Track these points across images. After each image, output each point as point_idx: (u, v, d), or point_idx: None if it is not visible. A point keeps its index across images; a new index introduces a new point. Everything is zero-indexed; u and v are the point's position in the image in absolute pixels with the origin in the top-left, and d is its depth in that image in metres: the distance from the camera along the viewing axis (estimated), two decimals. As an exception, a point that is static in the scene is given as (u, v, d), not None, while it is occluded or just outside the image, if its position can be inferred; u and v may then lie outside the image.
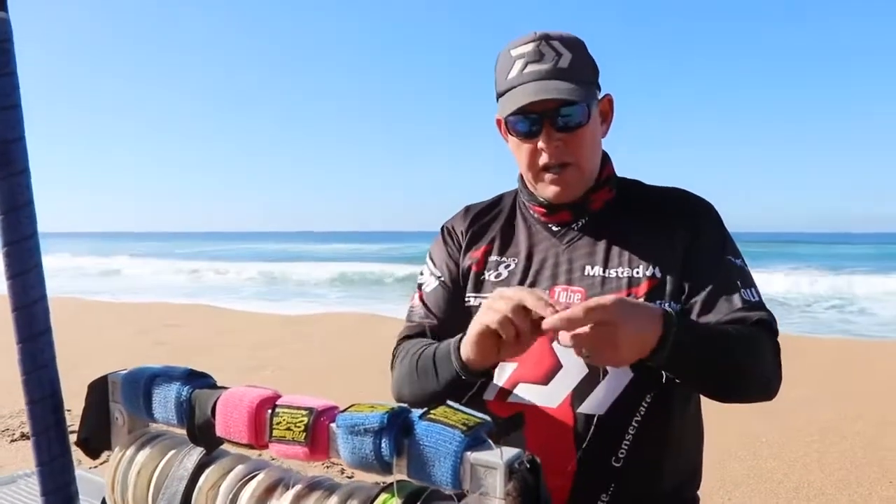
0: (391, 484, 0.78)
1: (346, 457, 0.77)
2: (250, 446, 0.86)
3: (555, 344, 1.28)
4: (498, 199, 1.56)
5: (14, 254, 0.91)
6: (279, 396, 0.86)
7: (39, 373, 0.91)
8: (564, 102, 1.28)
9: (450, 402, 0.78)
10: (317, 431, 0.79)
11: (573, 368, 1.29)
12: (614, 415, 1.27)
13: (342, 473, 3.78)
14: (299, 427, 0.80)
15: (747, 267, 1.38)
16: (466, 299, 1.43)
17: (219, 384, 0.95)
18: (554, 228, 1.42)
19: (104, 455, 1.05)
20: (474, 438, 0.72)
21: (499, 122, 1.43)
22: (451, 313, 1.43)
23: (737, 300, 1.30)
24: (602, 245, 1.37)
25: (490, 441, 0.72)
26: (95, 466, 2.54)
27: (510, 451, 0.69)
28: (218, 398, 0.88)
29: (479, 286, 1.43)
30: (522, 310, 1.10)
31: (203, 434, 0.89)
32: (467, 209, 1.57)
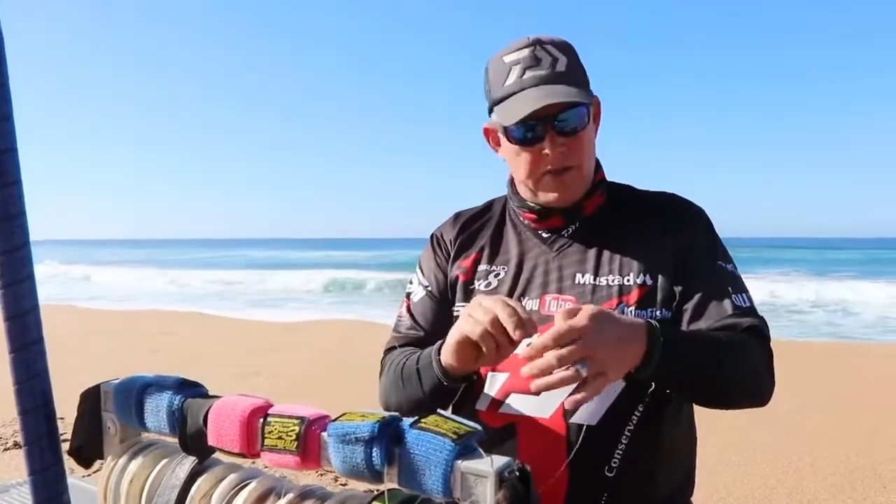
0: (383, 492, 0.79)
1: (338, 466, 0.78)
2: (242, 455, 0.86)
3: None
4: (488, 206, 1.55)
5: (6, 263, 0.91)
6: (271, 405, 0.86)
7: (32, 382, 0.91)
8: (564, 107, 1.27)
9: (440, 411, 0.79)
10: (308, 440, 0.80)
11: None
12: (607, 424, 1.27)
13: (335, 482, 3.78)
14: (291, 436, 0.80)
15: (738, 272, 1.38)
16: (455, 309, 1.42)
17: (211, 392, 0.95)
18: (544, 235, 1.41)
19: (97, 464, 1.05)
20: (465, 447, 0.72)
21: (486, 130, 1.43)
22: (437, 325, 1.42)
23: (728, 306, 1.30)
24: (593, 252, 1.36)
25: (480, 450, 0.73)
26: (88, 475, 2.53)
27: (500, 460, 0.70)
28: (210, 407, 0.88)
29: (468, 296, 1.42)
30: (500, 322, 1.09)
31: (195, 443, 0.90)
32: (457, 216, 1.55)
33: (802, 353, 8.67)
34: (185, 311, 15.06)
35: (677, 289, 1.32)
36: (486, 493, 0.69)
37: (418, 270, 1.54)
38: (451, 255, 1.48)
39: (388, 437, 0.75)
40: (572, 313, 1.05)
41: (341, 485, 3.44)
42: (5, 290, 0.91)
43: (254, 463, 0.91)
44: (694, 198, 1.41)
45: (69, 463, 0.96)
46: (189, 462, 0.93)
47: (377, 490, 0.81)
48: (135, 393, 0.95)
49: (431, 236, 1.56)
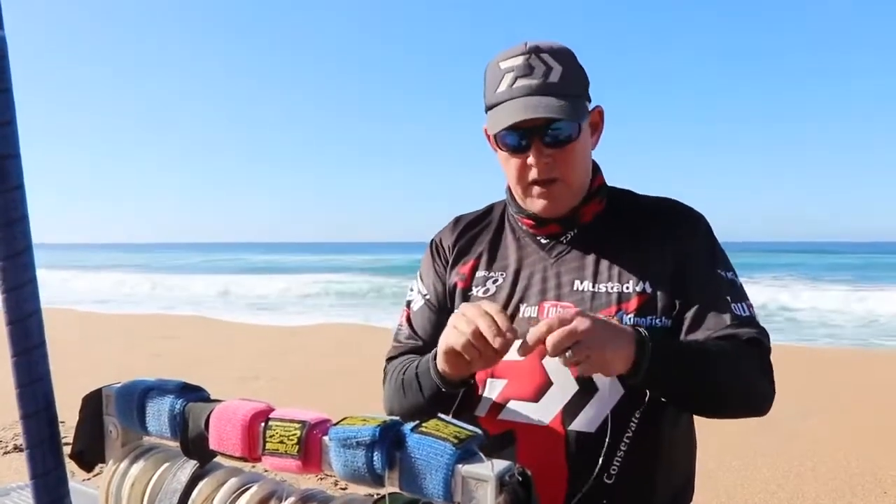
0: (384, 496, 0.79)
1: (339, 470, 0.78)
2: (244, 459, 0.86)
3: (545, 361, 1.28)
4: (488, 210, 1.54)
5: (9, 268, 0.91)
6: (272, 410, 0.86)
7: (34, 386, 0.91)
8: (553, 119, 1.26)
9: (441, 415, 0.79)
10: (309, 444, 0.80)
11: (564, 385, 1.28)
12: (606, 431, 1.26)
13: (336, 486, 3.78)
14: (292, 440, 0.80)
15: (739, 280, 1.36)
16: None
17: (212, 396, 0.95)
18: (542, 241, 1.40)
19: (98, 468, 1.05)
20: (465, 451, 0.72)
21: (486, 131, 1.41)
22: (436, 335, 1.38)
23: (726, 316, 1.29)
24: (591, 259, 1.35)
25: (481, 454, 0.73)
26: (89, 479, 2.53)
27: (501, 464, 0.70)
28: (211, 411, 0.88)
29: (467, 302, 1.38)
30: (481, 334, 1.11)
31: (196, 447, 0.90)
32: (456, 220, 1.55)
33: (801, 358, 8.67)
34: (186, 315, 15.07)
35: (676, 298, 1.31)
36: (486, 497, 0.69)
37: (418, 278, 1.54)
38: (450, 262, 1.48)
39: (389, 441, 0.75)
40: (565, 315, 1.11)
41: (341, 489, 3.45)
42: (7, 294, 0.92)
43: (254, 467, 0.92)
44: (699, 201, 1.41)
45: (70, 466, 0.96)
46: (190, 466, 0.94)
47: (378, 494, 0.81)
48: (136, 397, 0.95)
49: (431, 242, 1.56)
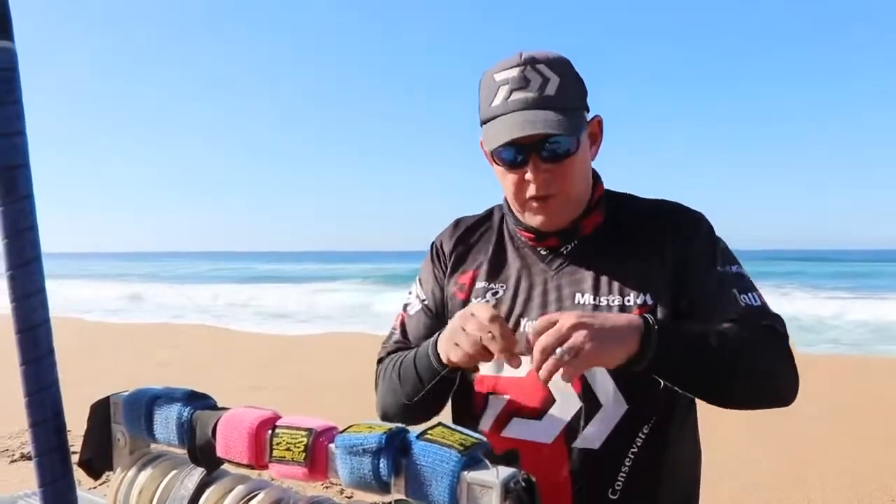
0: (390, 503, 0.79)
1: (345, 477, 0.78)
2: (250, 466, 0.87)
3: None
4: (489, 213, 1.51)
5: (18, 277, 0.92)
6: (279, 417, 0.87)
7: (42, 395, 0.92)
8: (551, 133, 1.22)
9: (446, 423, 0.80)
10: (316, 452, 0.81)
11: (567, 402, 1.27)
12: (609, 449, 1.25)
13: (341, 494, 3.78)
14: (299, 447, 0.81)
15: (745, 272, 1.33)
16: None
17: (219, 405, 0.96)
18: (543, 252, 1.38)
19: (105, 476, 1.06)
20: (471, 458, 0.73)
21: (481, 143, 1.35)
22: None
23: (734, 308, 1.25)
24: (592, 272, 1.33)
25: (486, 461, 0.74)
26: (95, 487, 2.54)
27: (506, 471, 0.71)
28: (218, 419, 0.89)
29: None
30: (483, 347, 1.13)
31: (204, 454, 0.91)
32: (457, 224, 1.52)
33: (808, 365, 8.64)
34: (192, 324, 15.09)
35: (679, 303, 1.28)
36: (491, 504, 0.69)
37: (418, 281, 1.52)
38: (449, 267, 1.46)
39: (395, 448, 0.76)
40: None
41: (347, 497, 3.45)
42: (17, 303, 0.93)
43: (260, 475, 0.92)
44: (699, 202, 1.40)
45: (77, 475, 0.97)
46: (198, 473, 0.94)
47: (383, 503, 0.82)
48: (144, 405, 0.96)
49: (432, 245, 1.53)
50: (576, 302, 1.31)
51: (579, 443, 1.25)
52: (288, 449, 0.82)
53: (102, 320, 15.71)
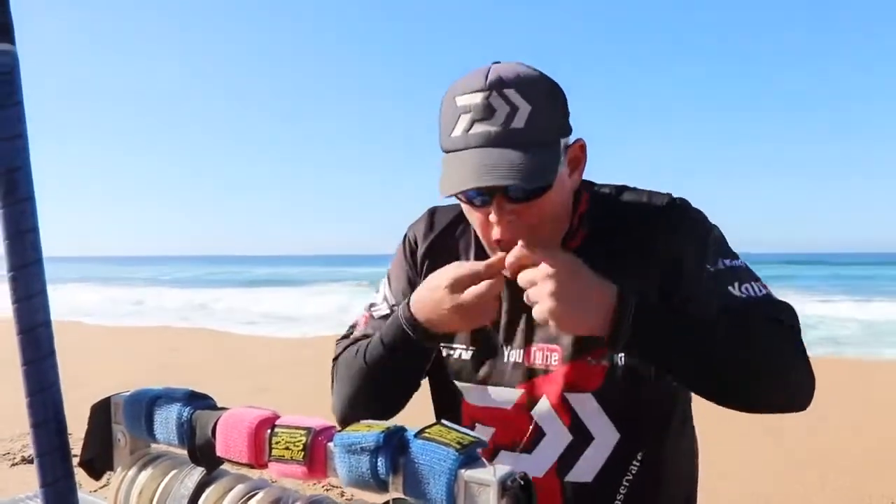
0: (388, 502, 0.80)
1: (344, 475, 0.79)
2: (250, 466, 0.87)
3: (534, 412, 1.23)
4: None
5: (20, 278, 0.93)
6: (278, 417, 0.88)
7: (44, 395, 0.93)
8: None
9: (444, 422, 0.80)
10: (315, 450, 0.81)
11: (556, 436, 1.23)
12: (603, 480, 1.22)
13: (342, 496, 3.78)
14: (298, 446, 0.82)
15: (741, 263, 1.19)
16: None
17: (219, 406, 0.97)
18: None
19: (105, 479, 1.06)
20: (468, 457, 0.73)
21: None
22: None
23: (733, 302, 1.14)
24: None
25: (483, 459, 0.74)
26: (96, 490, 2.54)
27: (503, 469, 0.71)
28: (218, 419, 0.90)
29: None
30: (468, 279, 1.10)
31: (204, 454, 0.91)
32: (432, 216, 1.38)
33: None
34: (193, 327, 15.10)
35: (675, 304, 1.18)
36: (489, 502, 0.70)
37: (387, 280, 1.40)
38: (423, 267, 1.34)
39: (393, 446, 0.76)
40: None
41: (347, 500, 3.45)
42: (19, 304, 0.93)
43: (261, 475, 0.93)
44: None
45: (78, 477, 0.97)
46: (198, 473, 0.95)
47: (382, 502, 0.82)
48: (145, 405, 0.97)
49: (404, 238, 1.40)
50: None
51: (571, 476, 1.23)
52: (287, 448, 0.82)
53: (102, 324, 15.71)
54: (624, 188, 1.30)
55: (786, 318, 1.14)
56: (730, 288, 1.16)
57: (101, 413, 1.04)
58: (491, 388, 1.27)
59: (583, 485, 1.23)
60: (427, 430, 0.77)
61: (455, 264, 1.15)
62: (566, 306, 1.02)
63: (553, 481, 1.23)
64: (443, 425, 0.79)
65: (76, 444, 1.04)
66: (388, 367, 1.22)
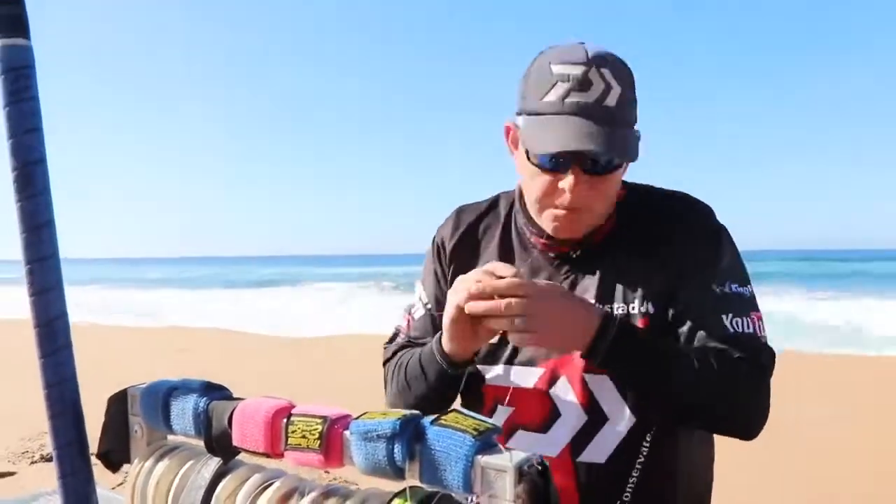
0: (404, 490, 0.80)
1: (360, 463, 0.79)
2: (266, 455, 0.88)
3: (552, 391, 1.26)
4: (494, 202, 1.43)
5: (36, 271, 0.94)
6: (293, 406, 0.88)
7: (61, 387, 0.94)
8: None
9: (459, 409, 0.80)
10: (331, 438, 0.81)
11: (572, 416, 1.25)
12: (616, 461, 1.24)
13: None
14: (314, 435, 0.82)
15: (748, 291, 1.26)
16: None
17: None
18: (551, 255, 1.32)
19: (122, 477, 1.07)
20: (485, 442, 0.73)
21: (508, 129, 1.29)
22: None
23: (720, 333, 1.20)
24: (599, 278, 1.28)
25: (500, 445, 0.74)
26: (114, 488, 2.56)
27: (519, 455, 0.71)
28: (234, 409, 0.90)
29: None
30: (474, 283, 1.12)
31: (220, 444, 0.92)
32: (458, 215, 1.44)
33: (821, 366, 8.61)
34: (204, 327, 15.15)
35: (670, 313, 1.25)
36: (505, 488, 0.70)
37: (420, 283, 1.46)
38: (451, 266, 1.40)
39: (409, 433, 0.76)
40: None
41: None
42: (35, 297, 0.94)
43: (277, 465, 0.93)
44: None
45: (97, 475, 0.98)
46: (214, 463, 0.95)
47: (396, 491, 0.82)
48: (161, 396, 0.97)
49: (433, 241, 1.46)
50: None
51: (585, 457, 1.24)
52: (303, 437, 0.82)
53: (117, 324, 15.79)
54: (652, 187, 1.37)
55: (762, 360, 1.21)
56: (723, 317, 1.21)
57: (118, 405, 1.05)
58: (514, 369, 1.30)
59: (596, 465, 1.24)
60: (443, 417, 0.77)
61: (451, 291, 1.17)
62: (548, 338, 1.12)
63: (566, 461, 1.25)
64: (459, 412, 0.79)
65: (92, 442, 1.04)
66: (428, 391, 1.29)
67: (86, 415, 0.96)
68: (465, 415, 0.78)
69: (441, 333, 1.22)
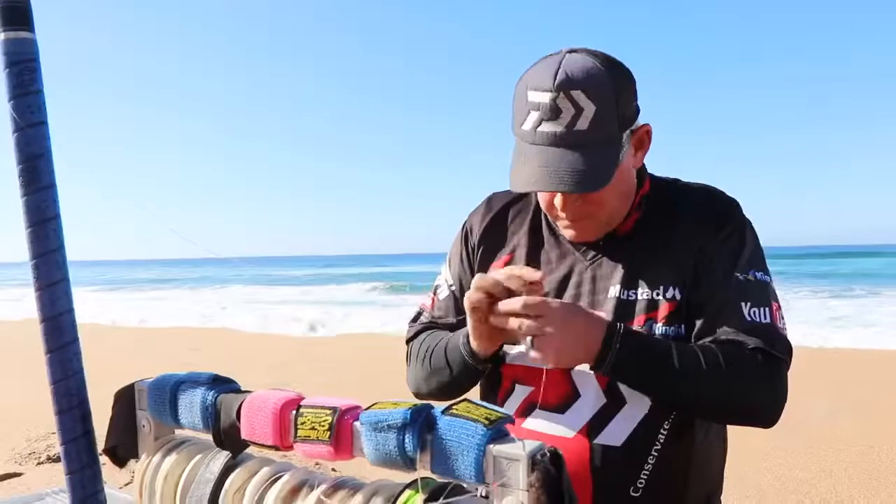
0: (415, 480, 0.79)
1: (370, 454, 0.78)
2: (275, 448, 0.87)
3: (573, 373, 1.26)
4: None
5: (42, 266, 0.93)
6: (303, 398, 0.87)
7: (68, 382, 0.93)
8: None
9: (470, 398, 0.80)
10: (341, 430, 0.81)
11: (591, 398, 1.25)
12: (632, 445, 1.24)
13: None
14: (323, 426, 0.81)
15: (767, 280, 1.27)
16: None
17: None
18: (578, 242, 1.33)
19: (130, 476, 1.07)
20: (497, 432, 0.73)
21: None
22: (458, 325, 1.38)
23: (737, 321, 1.21)
24: (625, 265, 1.29)
25: (512, 434, 0.73)
26: (122, 487, 2.56)
27: (532, 444, 0.70)
28: (243, 402, 0.89)
29: None
30: (499, 287, 1.15)
31: (228, 437, 0.91)
32: (489, 202, 1.47)
33: (831, 359, 8.58)
34: (212, 327, 15.17)
35: (693, 301, 1.25)
36: (518, 476, 0.69)
37: (447, 262, 1.49)
38: (479, 251, 1.43)
39: (420, 423, 0.76)
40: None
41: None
42: (41, 292, 0.94)
43: (285, 456, 0.93)
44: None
45: (104, 476, 0.97)
46: (223, 456, 0.95)
47: (406, 483, 0.81)
48: (169, 389, 0.97)
49: (463, 225, 1.48)
50: (609, 295, 1.28)
51: (601, 439, 1.24)
52: (313, 428, 0.82)
53: (121, 325, 15.82)
54: (677, 180, 1.39)
55: (776, 351, 1.21)
56: (742, 305, 1.22)
57: (125, 400, 1.04)
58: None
59: (612, 448, 1.24)
60: (454, 407, 0.76)
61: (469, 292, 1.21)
62: (562, 357, 1.15)
63: (583, 443, 1.25)
64: (470, 402, 0.78)
65: (99, 440, 1.04)
66: (452, 380, 1.34)
67: (93, 414, 0.96)
68: (477, 405, 0.77)
69: (468, 335, 1.25)
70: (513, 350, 1.32)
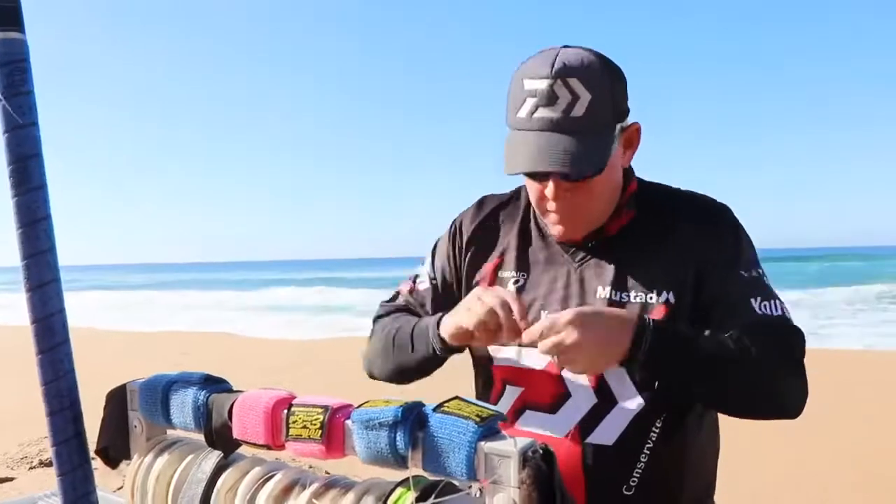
0: (407, 479, 0.79)
1: (362, 452, 0.78)
2: (267, 447, 0.87)
3: (564, 372, 1.25)
4: (516, 193, 1.45)
5: (32, 267, 0.93)
6: (294, 397, 0.87)
7: (59, 383, 0.93)
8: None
9: (462, 396, 0.80)
10: (332, 428, 0.81)
11: (582, 398, 1.25)
12: (624, 445, 1.23)
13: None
14: (315, 424, 0.81)
15: (766, 278, 1.28)
16: None
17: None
18: (568, 244, 1.33)
19: (123, 479, 1.06)
20: (488, 429, 0.73)
21: None
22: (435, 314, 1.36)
23: (751, 316, 1.21)
24: (616, 267, 1.28)
25: (503, 431, 0.73)
26: (114, 491, 2.55)
27: (523, 441, 0.71)
28: (234, 401, 0.89)
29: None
30: (496, 313, 1.13)
31: (220, 437, 0.91)
32: (481, 204, 1.47)
33: (827, 361, 8.62)
34: (203, 331, 15.12)
35: (698, 304, 1.25)
36: (510, 473, 0.69)
37: (430, 256, 1.49)
38: (467, 252, 1.42)
39: (411, 421, 0.76)
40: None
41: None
42: (32, 293, 0.94)
43: (278, 457, 0.92)
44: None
45: (97, 477, 0.97)
46: (215, 457, 0.94)
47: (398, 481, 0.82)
48: (161, 390, 0.97)
49: (452, 223, 1.48)
50: (598, 297, 1.28)
51: (593, 438, 1.24)
52: (304, 427, 0.82)
53: (114, 329, 15.76)
54: (667, 185, 1.39)
55: (793, 340, 1.22)
56: (751, 300, 1.22)
57: (117, 401, 1.04)
58: (524, 350, 1.30)
59: (603, 448, 1.24)
60: (446, 405, 0.76)
61: (499, 288, 1.22)
62: (592, 366, 1.14)
63: (575, 442, 1.25)
64: (461, 399, 0.78)
65: (91, 442, 1.03)
66: (410, 362, 1.33)
67: (84, 416, 0.95)
68: (468, 402, 0.77)
69: (441, 316, 1.25)
70: (500, 353, 1.32)
